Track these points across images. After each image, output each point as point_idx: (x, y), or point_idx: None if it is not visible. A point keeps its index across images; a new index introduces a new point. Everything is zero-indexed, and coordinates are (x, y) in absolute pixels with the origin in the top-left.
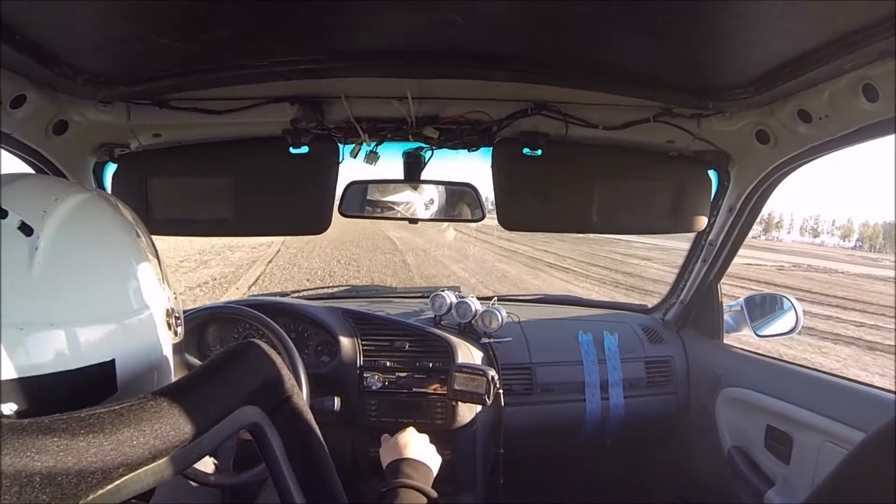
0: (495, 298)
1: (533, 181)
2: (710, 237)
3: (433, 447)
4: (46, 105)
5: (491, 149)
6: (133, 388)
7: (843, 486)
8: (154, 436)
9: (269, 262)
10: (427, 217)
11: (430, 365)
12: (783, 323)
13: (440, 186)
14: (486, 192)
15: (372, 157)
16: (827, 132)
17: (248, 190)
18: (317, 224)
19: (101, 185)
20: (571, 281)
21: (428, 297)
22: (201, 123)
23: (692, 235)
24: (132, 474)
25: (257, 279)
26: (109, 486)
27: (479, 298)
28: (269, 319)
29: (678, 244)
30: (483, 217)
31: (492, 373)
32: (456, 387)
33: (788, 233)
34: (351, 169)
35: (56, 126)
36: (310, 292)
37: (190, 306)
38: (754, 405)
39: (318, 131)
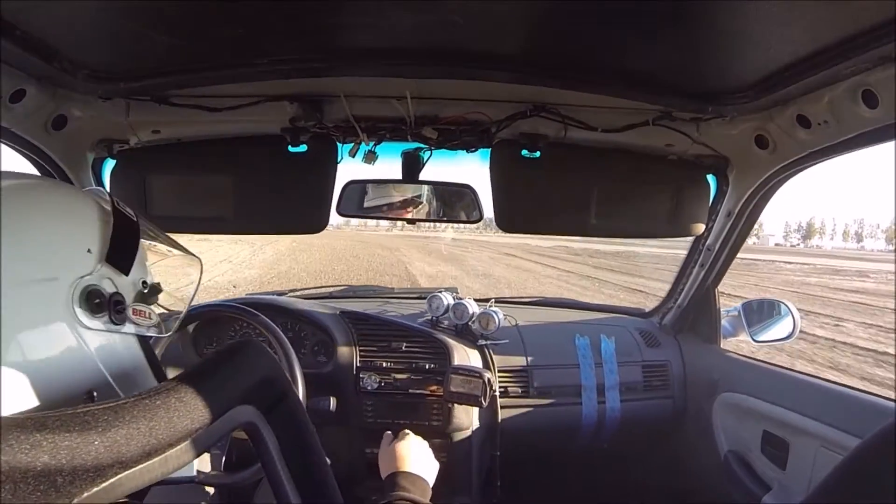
0: (492, 300)
1: (531, 183)
2: (707, 242)
3: (432, 455)
4: (46, 100)
5: (489, 150)
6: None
7: (838, 491)
8: (149, 434)
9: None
10: (424, 218)
11: (427, 366)
12: (780, 329)
13: (438, 187)
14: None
15: (370, 157)
16: (826, 138)
17: (247, 188)
18: (314, 223)
19: (99, 181)
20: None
21: (425, 299)
22: (200, 121)
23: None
24: (126, 472)
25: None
26: (104, 484)
27: (476, 300)
28: (265, 318)
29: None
30: (481, 218)
31: (488, 375)
32: (452, 388)
33: (831, 238)
34: (349, 168)
35: (55, 121)
36: (307, 292)
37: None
38: (751, 410)
39: (316, 130)
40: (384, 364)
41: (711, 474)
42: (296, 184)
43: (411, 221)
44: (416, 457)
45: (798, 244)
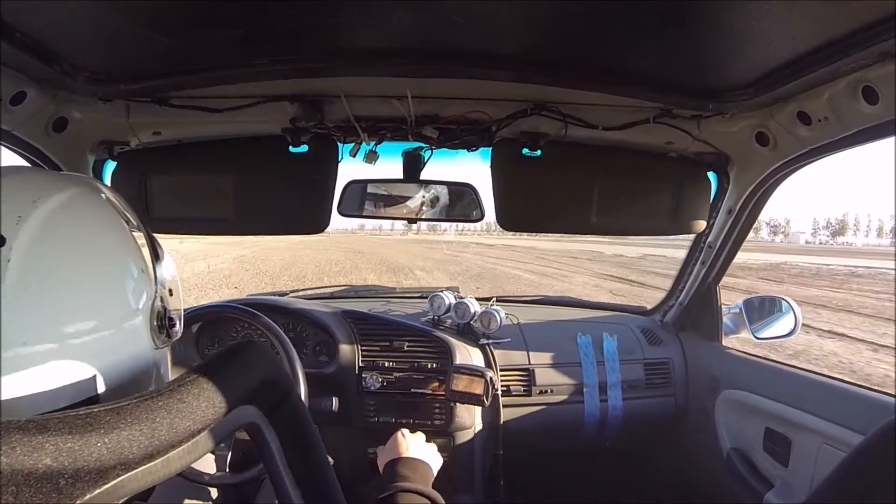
0: (494, 299)
1: (532, 181)
2: (709, 239)
3: (432, 445)
4: (46, 102)
5: (490, 149)
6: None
7: (841, 488)
8: (151, 435)
9: None
10: (426, 217)
11: (429, 365)
12: (782, 325)
13: (439, 186)
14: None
15: (371, 157)
16: (827, 134)
17: (248, 188)
18: (315, 223)
19: None
20: None
21: (427, 298)
22: (201, 121)
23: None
24: (129, 474)
25: None
26: (106, 486)
27: (477, 299)
28: (267, 319)
29: None
30: (482, 217)
31: (490, 374)
32: (454, 388)
33: (866, 236)
34: (350, 168)
35: (56, 123)
36: (308, 292)
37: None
38: (753, 407)
39: (317, 130)
40: (386, 363)
41: (714, 471)
42: (297, 184)
43: (412, 221)
44: (414, 443)
45: (829, 241)
